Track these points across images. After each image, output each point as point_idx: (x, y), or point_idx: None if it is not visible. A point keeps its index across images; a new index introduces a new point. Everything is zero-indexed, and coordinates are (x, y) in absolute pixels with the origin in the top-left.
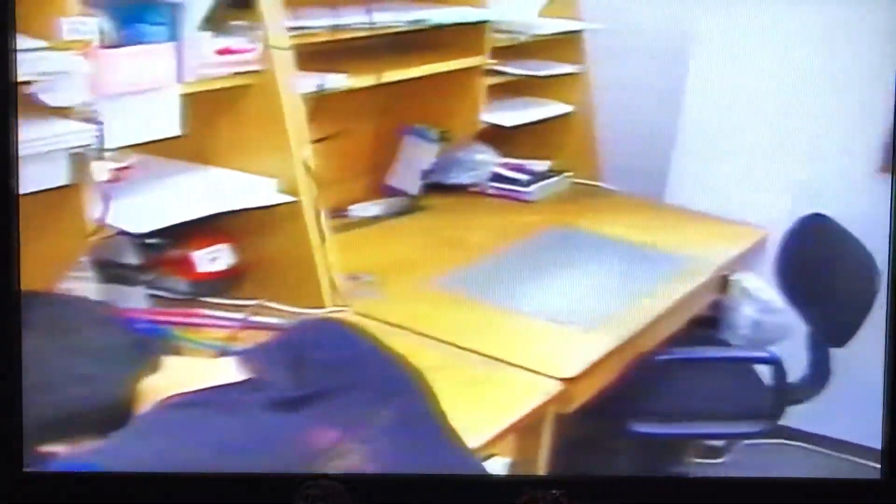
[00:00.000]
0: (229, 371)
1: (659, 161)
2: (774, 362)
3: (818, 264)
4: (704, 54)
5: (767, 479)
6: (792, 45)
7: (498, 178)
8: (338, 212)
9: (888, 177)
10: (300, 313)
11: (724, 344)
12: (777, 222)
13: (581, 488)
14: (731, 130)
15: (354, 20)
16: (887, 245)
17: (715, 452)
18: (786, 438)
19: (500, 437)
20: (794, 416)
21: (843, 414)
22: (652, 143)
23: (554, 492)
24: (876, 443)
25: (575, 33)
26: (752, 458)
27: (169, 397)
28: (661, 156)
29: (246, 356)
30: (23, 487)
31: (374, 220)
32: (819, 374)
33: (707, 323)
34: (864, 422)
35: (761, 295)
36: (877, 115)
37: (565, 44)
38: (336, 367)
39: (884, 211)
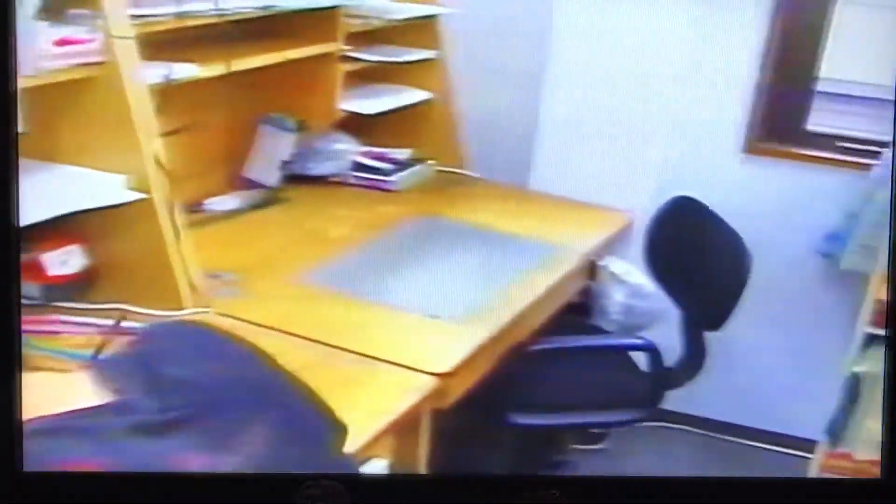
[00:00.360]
0: (88, 389)
1: (522, 147)
2: (650, 349)
3: (686, 247)
4: (565, 37)
5: (767, 480)
6: (653, 27)
7: (359, 167)
8: (193, 207)
9: (751, 157)
10: (159, 316)
11: (599, 331)
12: (643, 206)
13: (581, 488)
14: (594, 114)
15: (200, 7)
16: (754, 223)
17: (595, 438)
18: (666, 421)
19: (378, 438)
20: (674, 400)
21: (723, 396)
22: (514, 130)
23: (554, 492)
24: (760, 423)
25: (430, 18)
26: (632, 442)
27: (27, 422)
28: (523, 142)
29: (103, 371)
30: (22, 487)
31: (233, 214)
32: (695, 358)
33: (579, 309)
34: (745, 402)
35: (630, 279)
36: (737, 95)
37: (421, 29)
38: (201, 380)
39: (746, 190)
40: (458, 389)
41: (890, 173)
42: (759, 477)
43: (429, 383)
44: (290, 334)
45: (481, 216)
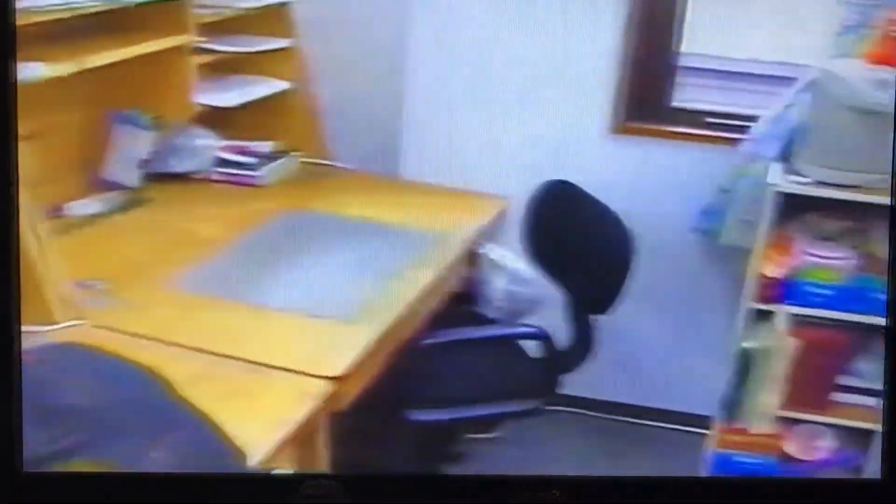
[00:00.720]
0: None
1: (389, 136)
2: (541, 336)
3: (565, 231)
4: (425, 23)
5: (767, 479)
6: (514, 7)
7: (222, 162)
8: (53, 212)
9: (619, 136)
10: (33, 333)
11: (486, 320)
12: (516, 191)
13: (581, 488)
14: (460, 99)
15: (44, 1)
16: (629, 204)
17: (488, 427)
18: (560, 405)
19: (279, 450)
20: (567, 383)
21: (615, 377)
22: (379, 118)
23: (554, 492)
24: (655, 402)
25: (282, 5)
26: (527, 428)
27: None
28: (390, 130)
29: None
30: (22, 487)
31: (95, 218)
32: (584, 342)
33: (463, 299)
34: (638, 382)
35: (510, 266)
36: (601, 74)
37: (274, 17)
38: (95, 405)
39: (618, 171)
40: (354, 391)
41: None
42: (759, 477)
43: (324, 388)
44: (174, 344)
45: (355, 208)
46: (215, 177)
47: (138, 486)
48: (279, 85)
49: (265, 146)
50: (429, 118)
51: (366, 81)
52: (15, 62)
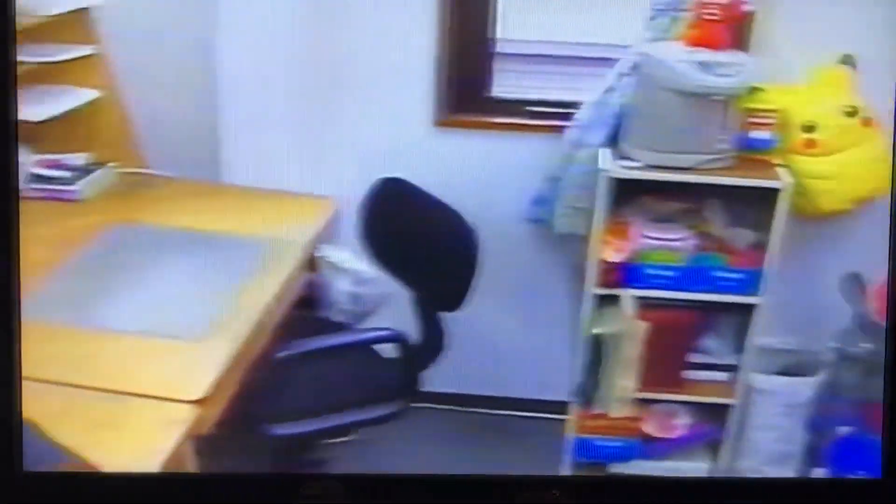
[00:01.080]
0: None
1: (207, 140)
2: (397, 339)
3: (403, 229)
4: (234, 20)
5: (767, 480)
6: (329, 7)
7: (37, 178)
8: None
9: (444, 129)
10: None
11: (334, 325)
12: (348, 190)
13: (581, 488)
14: (280, 99)
15: None
16: (460, 198)
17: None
18: (418, 402)
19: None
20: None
21: (471, 370)
22: (195, 123)
23: (554, 492)
24: (512, 391)
25: (82, 11)
26: (385, 427)
27: None
28: (208, 135)
29: None
30: (23, 487)
31: None
32: (434, 339)
33: (307, 304)
34: (494, 374)
35: (351, 267)
36: (422, 68)
37: (75, 23)
38: None
39: (449, 164)
40: (216, 413)
41: None
42: (759, 477)
43: (187, 412)
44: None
45: (183, 218)
46: (31, 194)
47: (138, 486)
48: (88, 94)
49: (79, 159)
50: (248, 120)
51: (177, 86)
52: (15, 61)
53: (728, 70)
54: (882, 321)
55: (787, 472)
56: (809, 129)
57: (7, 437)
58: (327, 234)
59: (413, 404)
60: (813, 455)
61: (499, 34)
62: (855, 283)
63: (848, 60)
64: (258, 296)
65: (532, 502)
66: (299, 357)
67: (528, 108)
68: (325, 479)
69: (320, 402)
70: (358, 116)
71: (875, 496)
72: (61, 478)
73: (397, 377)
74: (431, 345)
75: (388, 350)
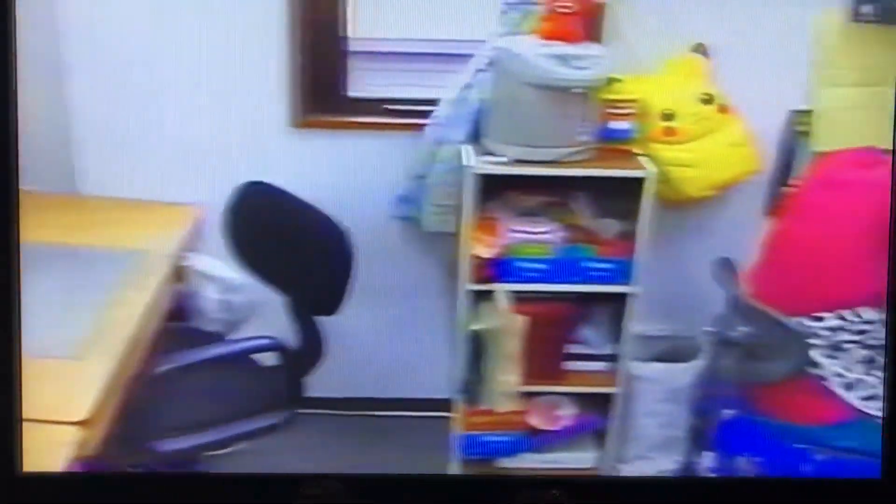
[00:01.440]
0: None
1: (58, 150)
2: (275, 346)
3: (272, 233)
4: (76, 24)
5: (767, 479)
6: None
7: None
8: None
9: (302, 131)
10: None
11: (208, 336)
12: (211, 196)
13: (580, 488)
14: (132, 105)
15: None
16: (327, 200)
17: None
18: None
19: None
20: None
21: (353, 374)
22: (43, 132)
23: (554, 492)
24: (396, 392)
25: None
26: (270, 436)
27: None
28: (58, 144)
29: None
30: (22, 487)
31: None
32: (314, 343)
33: (180, 316)
34: (376, 376)
35: (219, 275)
36: (274, 67)
37: None
38: None
39: (312, 166)
40: (99, 432)
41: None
42: (759, 477)
43: (73, 434)
44: None
45: (39, 232)
46: None
47: (138, 487)
48: None
49: None
50: (100, 127)
51: (22, 94)
52: (15, 61)
53: (585, 62)
54: (756, 304)
55: (674, 456)
56: (668, 117)
57: (7, 437)
58: (193, 243)
59: (299, 411)
60: (698, 439)
61: (352, 33)
62: (727, 267)
63: (700, 49)
64: (128, 310)
65: (532, 502)
66: (178, 371)
67: (386, 106)
68: (325, 479)
69: (204, 415)
70: (215, 120)
71: (875, 496)
72: (61, 478)
73: (279, 385)
74: (310, 350)
75: (268, 359)
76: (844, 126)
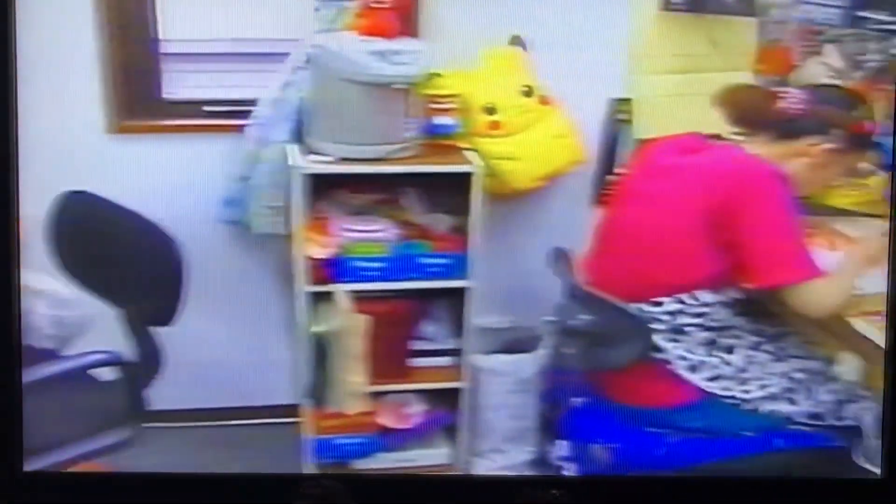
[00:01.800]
0: None
1: None
2: (112, 361)
3: (97, 244)
4: None
5: (767, 480)
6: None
7: None
8: None
9: (120, 136)
10: None
11: (41, 353)
12: (32, 208)
13: (581, 488)
14: None
15: None
16: (152, 206)
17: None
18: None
19: None
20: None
21: (195, 384)
22: None
23: (554, 492)
24: (242, 400)
25: None
26: (120, 453)
27: None
28: None
29: None
30: (23, 487)
31: None
32: (151, 355)
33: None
34: (219, 384)
35: (48, 289)
36: (90, 73)
37: None
38: None
39: (131, 173)
40: None
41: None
42: (759, 477)
43: None
44: None
45: None
46: None
47: (138, 487)
48: None
49: None
50: None
51: None
52: (16, 69)
53: (404, 58)
54: (593, 292)
55: (527, 447)
56: (490, 111)
57: (7, 437)
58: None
59: (145, 425)
60: (550, 428)
61: (163, 34)
62: (561, 257)
63: (517, 41)
64: None
65: (532, 502)
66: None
67: (205, 108)
68: (325, 479)
69: (45, 437)
70: (29, 130)
71: (875, 496)
72: (61, 478)
73: (121, 400)
74: (148, 362)
75: (105, 373)
76: (665, 113)
